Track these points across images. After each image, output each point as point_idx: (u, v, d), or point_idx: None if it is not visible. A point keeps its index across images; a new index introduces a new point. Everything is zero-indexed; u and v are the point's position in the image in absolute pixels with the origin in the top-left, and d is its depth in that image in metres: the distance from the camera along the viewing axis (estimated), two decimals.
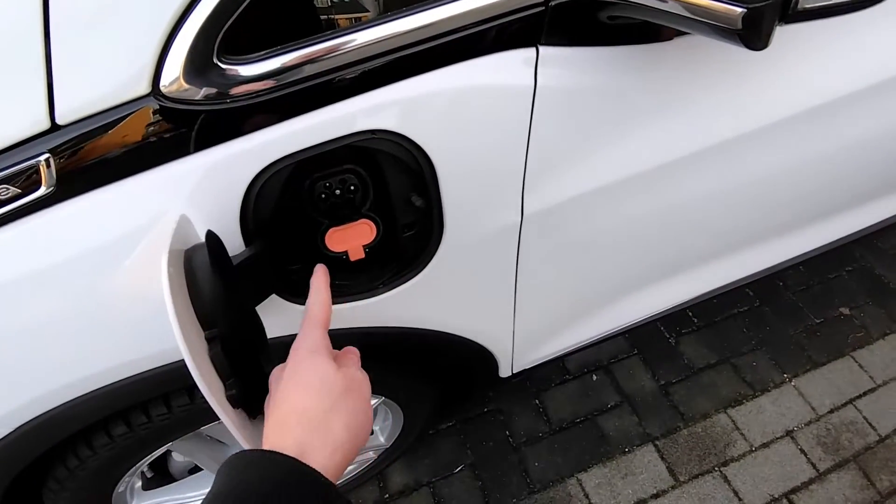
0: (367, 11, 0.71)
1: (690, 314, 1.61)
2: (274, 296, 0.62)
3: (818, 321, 1.59)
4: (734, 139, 0.74)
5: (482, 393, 1.45)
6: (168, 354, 0.63)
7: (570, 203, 0.70)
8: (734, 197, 0.86)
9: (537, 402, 1.45)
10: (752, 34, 0.47)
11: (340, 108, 0.55)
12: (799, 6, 0.47)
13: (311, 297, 0.51)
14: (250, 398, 0.41)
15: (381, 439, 1.14)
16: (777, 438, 1.36)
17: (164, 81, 0.49)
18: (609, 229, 0.78)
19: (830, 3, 0.48)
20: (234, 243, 0.57)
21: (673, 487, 1.30)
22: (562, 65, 0.59)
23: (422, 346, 0.86)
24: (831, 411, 1.41)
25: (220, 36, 0.50)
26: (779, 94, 0.75)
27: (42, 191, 0.49)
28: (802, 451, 1.35)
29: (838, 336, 1.56)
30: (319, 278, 0.53)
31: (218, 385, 0.38)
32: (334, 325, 0.71)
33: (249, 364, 0.43)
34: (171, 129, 0.51)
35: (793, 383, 1.46)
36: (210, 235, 0.48)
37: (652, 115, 0.68)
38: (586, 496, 1.29)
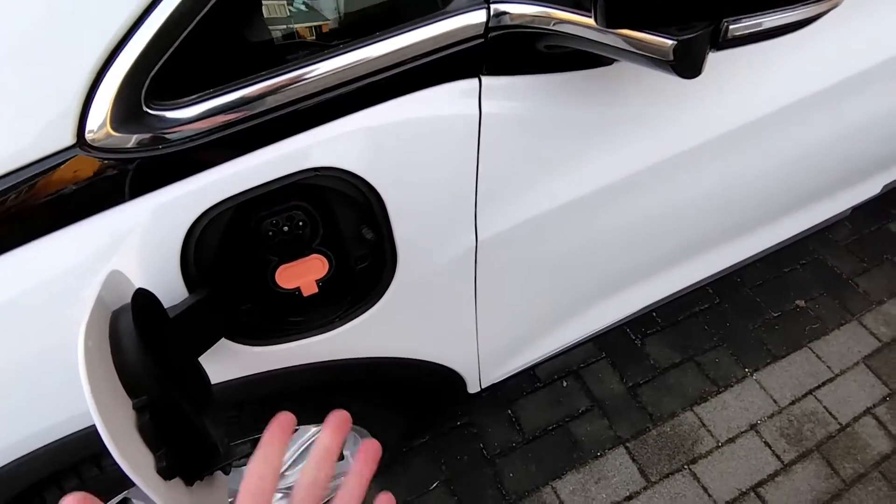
0: (328, 20, 0.70)
1: (654, 315, 1.64)
2: (223, 340, 0.60)
3: (776, 315, 1.65)
4: (679, 154, 0.76)
5: (454, 408, 1.44)
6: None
7: (523, 225, 0.71)
8: (685, 207, 0.88)
9: (510, 412, 1.46)
10: (684, 64, 0.48)
11: (280, 147, 0.54)
12: (729, 34, 0.49)
13: (256, 454, 0.33)
14: (189, 463, 0.40)
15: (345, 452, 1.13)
16: (742, 433, 1.40)
17: (91, 131, 0.47)
18: (564, 248, 0.78)
19: (759, 29, 0.49)
20: (177, 292, 0.55)
21: (645, 488, 1.32)
22: (505, 93, 0.60)
23: (386, 374, 0.85)
24: (792, 403, 1.46)
25: (148, 82, 0.48)
26: (722, 109, 0.77)
27: None
28: (767, 443, 1.39)
29: (795, 328, 1.61)
30: (273, 430, 0.35)
31: (146, 459, 0.37)
32: (294, 363, 0.70)
33: (187, 427, 0.42)
34: (101, 179, 0.49)
35: (754, 377, 1.51)
36: (137, 295, 0.46)
37: (599, 136, 0.68)
38: (561, 503, 1.30)
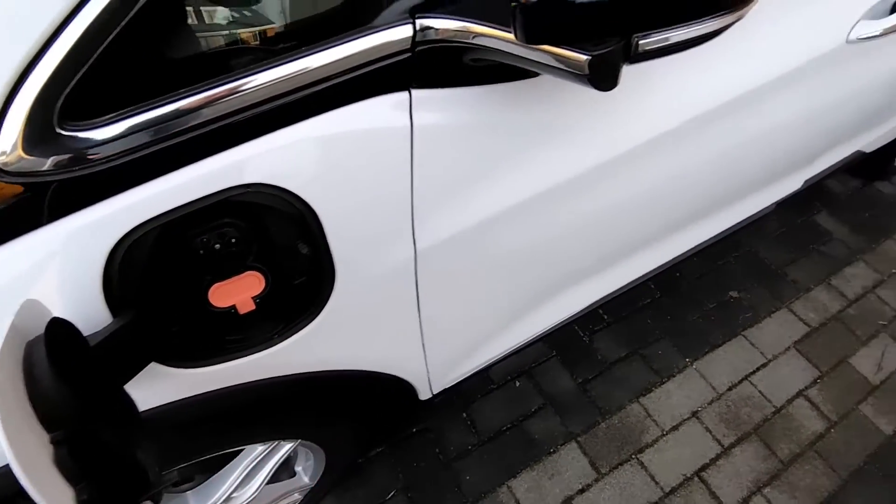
0: (273, 23, 0.69)
1: (601, 312, 1.70)
2: (154, 364, 0.59)
3: (712, 306, 1.73)
4: (611, 159, 0.79)
5: (408, 416, 1.44)
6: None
7: (461, 234, 0.72)
8: (619, 208, 0.92)
9: (465, 415, 1.47)
10: (600, 77, 0.51)
11: (207, 164, 0.53)
12: (640, 49, 0.51)
13: None
14: (115, 494, 0.38)
15: (306, 479, 1.11)
16: (685, 420, 1.47)
17: (3, 153, 0.45)
18: (504, 253, 0.80)
19: (668, 43, 0.52)
20: (101, 317, 0.53)
21: (596, 480, 1.36)
22: (435, 105, 0.61)
23: (333, 386, 0.84)
24: (730, 389, 1.54)
25: (62, 101, 0.46)
26: (651, 114, 0.81)
27: None
28: (708, 429, 1.46)
29: (731, 318, 1.70)
30: None
31: (64, 493, 0.35)
32: (233, 382, 0.69)
33: (110, 457, 0.41)
34: (15, 203, 0.47)
35: (694, 366, 1.58)
36: (52, 324, 0.44)
37: (531, 144, 0.70)
38: (517, 502, 1.32)
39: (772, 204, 1.44)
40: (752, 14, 0.83)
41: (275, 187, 0.56)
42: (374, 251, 0.67)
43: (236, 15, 0.58)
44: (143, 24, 0.48)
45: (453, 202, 0.68)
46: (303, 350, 0.71)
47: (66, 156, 0.48)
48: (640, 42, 0.51)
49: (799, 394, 1.55)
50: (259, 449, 0.90)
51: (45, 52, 0.45)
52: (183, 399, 0.66)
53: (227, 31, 0.54)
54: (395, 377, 0.90)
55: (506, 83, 0.63)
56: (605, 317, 1.69)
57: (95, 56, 0.46)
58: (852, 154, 1.60)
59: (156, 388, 0.61)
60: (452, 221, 0.70)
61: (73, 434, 0.37)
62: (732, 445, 1.43)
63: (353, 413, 0.99)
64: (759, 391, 1.54)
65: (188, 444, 0.75)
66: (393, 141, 0.60)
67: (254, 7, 0.58)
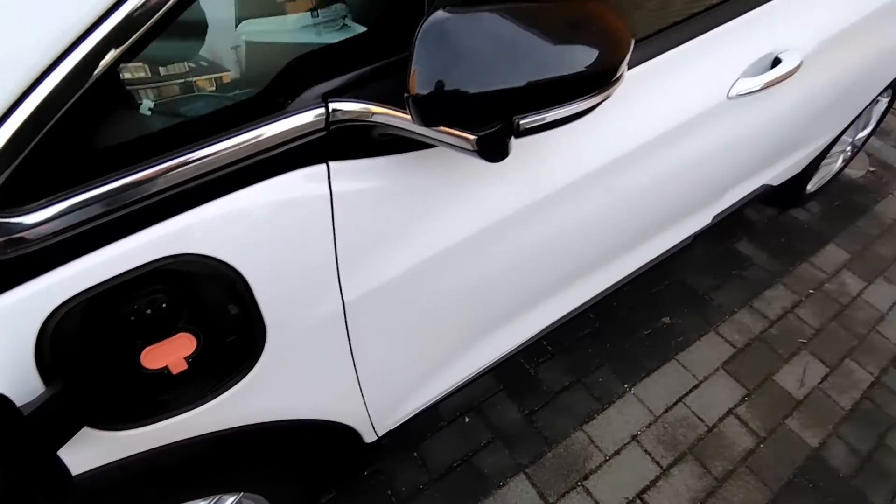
0: (228, 71, 0.74)
1: (545, 343, 1.78)
2: (86, 428, 0.61)
3: (647, 332, 1.84)
4: (518, 211, 0.87)
5: (357, 459, 1.46)
6: None
7: (387, 285, 0.78)
8: (535, 252, 1.00)
9: (416, 454, 1.50)
10: (488, 152, 0.59)
11: (138, 238, 0.57)
12: (521, 128, 0.60)
13: None
14: None
15: None
16: (625, 445, 1.54)
17: None
18: (429, 300, 0.87)
19: (545, 121, 0.61)
20: (33, 386, 0.56)
21: None
22: (351, 174, 0.67)
23: (273, 437, 0.87)
24: (666, 411, 1.63)
25: None
26: (552, 169, 0.90)
27: None
28: (647, 451, 1.54)
29: (664, 343, 1.81)
30: None
31: None
32: (169, 440, 0.71)
33: None
34: None
35: (632, 392, 1.67)
36: None
37: (442, 201, 0.78)
38: None
39: (688, 237, 1.57)
40: (646, 77, 0.94)
41: (204, 256, 0.61)
42: (303, 308, 0.72)
43: (165, 108, 0.64)
44: (77, 115, 0.54)
45: (375, 257, 0.75)
46: (238, 404, 0.74)
47: (1, 239, 0.52)
48: (521, 122, 0.59)
49: (729, 412, 1.65)
50: (229, 501, 0.91)
51: None
52: (118, 460, 0.68)
53: (157, 119, 0.60)
54: (335, 423, 0.94)
55: (415, 152, 0.71)
56: (549, 348, 1.77)
57: (27, 150, 0.51)
58: (758, 189, 1.76)
59: (90, 451, 0.64)
60: (376, 274, 0.76)
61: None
62: (670, 466, 1.51)
63: (296, 461, 1.01)
64: (693, 412, 1.64)
65: None
66: (314, 208, 0.66)
67: (190, 98, 0.64)
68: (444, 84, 0.54)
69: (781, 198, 2.34)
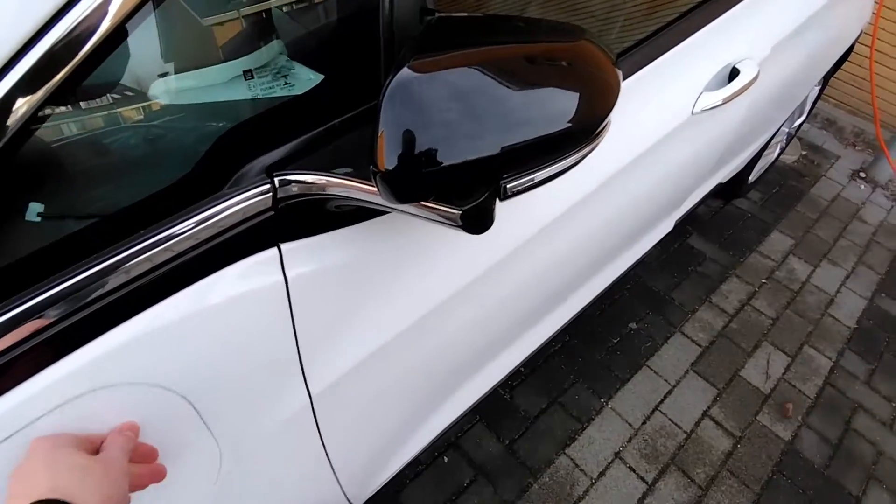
0: (157, 98, 0.60)
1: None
2: None
3: (616, 341, 1.82)
4: (494, 265, 0.79)
5: None
6: None
7: (355, 368, 0.68)
8: (511, 299, 0.92)
9: None
10: (474, 225, 0.50)
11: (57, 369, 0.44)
12: (509, 192, 0.51)
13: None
14: None
15: None
16: (609, 464, 1.51)
17: None
18: (402, 370, 0.77)
19: (536, 181, 0.53)
20: None
21: None
22: (306, 254, 0.57)
23: None
24: (644, 422, 1.61)
25: None
26: (528, 211, 0.83)
27: None
28: (631, 468, 1.51)
29: (633, 350, 1.80)
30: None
31: None
32: None
33: None
34: None
35: (610, 405, 1.64)
36: None
37: (405, 270, 0.68)
38: None
39: (654, 244, 1.55)
40: (620, 106, 0.88)
41: (142, 385, 0.49)
42: (265, 413, 0.61)
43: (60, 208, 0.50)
44: None
45: (341, 340, 0.64)
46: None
47: None
48: (508, 186, 0.51)
49: (704, 415, 1.65)
50: None
51: None
52: None
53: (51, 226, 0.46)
54: None
55: (372, 220, 0.61)
56: (522, 369, 1.71)
57: None
58: (713, 188, 1.77)
59: None
60: (343, 359, 0.66)
61: None
62: (655, 480, 1.49)
63: None
64: (670, 419, 1.63)
65: None
66: (269, 299, 0.55)
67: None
68: (420, 155, 0.44)
69: (725, 191, 2.39)
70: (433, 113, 0.44)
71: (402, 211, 0.51)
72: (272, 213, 0.52)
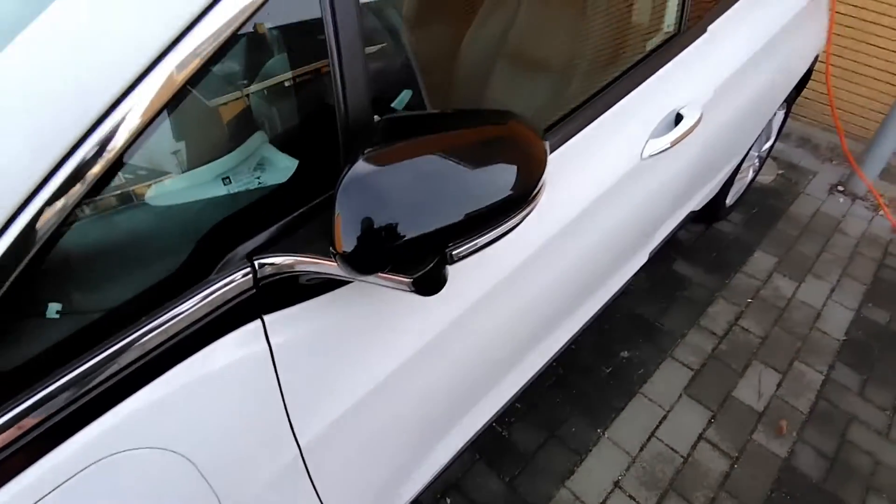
0: (152, 202, 0.68)
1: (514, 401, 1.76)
2: None
3: (609, 370, 1.87)
4: (463, 312, 0.87)
5: None
6: None
7: (339, 420, 0.75)
8: (489, 341, 1.00)
9: None
10: (425, 289, 0.58)
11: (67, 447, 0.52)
12: (455, 257, 0.60)
13: None
14: None
15: None
16: (609, 494, 1.54)
17: None
18: (387, 419, 0.84)
19: (478, 245, 0.61)
20: None
21: None
22: (287, 322, 0.65)
23: None
24: (641, 450, 1.65)
25: None
26: (492, 264, 0.91)
27: None
28: (631, 496, 1.53)
29: (626, 378, 1.84)
30: None
31: None
32: None
33: None
34: None
35: (606, 435, 1.68)
36: None
37: (377, 331, 0.76)
38: None
39: (635, 271, 1.63)
40: (567, 158, 0.98)
41: (149, 449, 0.56)
42: (260, 466, 0.68)
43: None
44: None
45: (325, 395, 0.72)
46: None
47: None
48: (454, 252, 0.60)
49: (700, 438, 1.69)
50: None
51: None
52: None
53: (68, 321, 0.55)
54: None
55: (342, 287, 0.69)
56: (518, 405, 1.76)
57: None
58: (684, 219, 1.86)
59: None
60: (328, 411, 0.73)
61: None
62: None
63: None
64: (666, 444, 1.66)
65: None
66: (255, 365, 0.63)
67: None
68: (373, 235, 0.53)
69: (705, 215, 2.47)
70: (387, 198, 0.53)
71: (363, 280, 0.60)
72: (254, 291, 0.61)
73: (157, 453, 0.57)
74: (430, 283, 0.59)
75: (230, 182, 0.60)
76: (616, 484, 1.56)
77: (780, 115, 2.45)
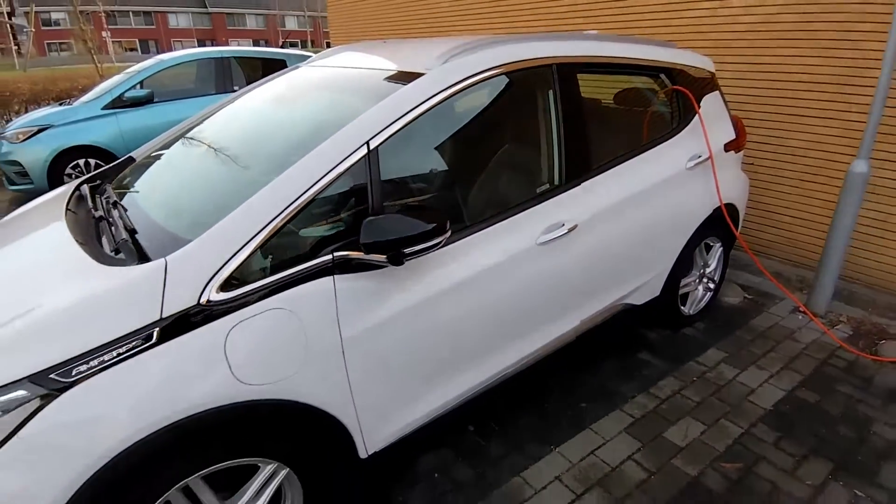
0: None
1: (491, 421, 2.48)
2: None
3: (570, 413, 2.55)
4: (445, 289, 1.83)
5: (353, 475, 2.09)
6: None
7: (369, 329, 1.69)
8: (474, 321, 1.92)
9: None
10: (395, 262, 1.59)
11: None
12: (407, 254, 1.61)
13: None
14: None
15: None
16: (549, 483, 2.15)
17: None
18: (411, 335, 1.77)
19: (416, 249, 1.62)
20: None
21: None
22: (345, 281, 1.66)
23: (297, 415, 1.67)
24: (581, 461, 2.26)
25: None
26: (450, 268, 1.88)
27: None
28: (567, 486, 2.14)
29: (582, 419, 2.50)
30: None
31: None
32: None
33: None
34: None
35: (556, 450, 2.32)
36: None
37: (389, 287, 1.74)
38: None
39: (569, 331, 2.44)
40: (485, 239, 1.99)
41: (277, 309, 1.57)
42: (323, 329, 1.63)
43: None
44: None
45: (359, 315, 1.68)
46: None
47: (219, 298, 1.49)
48: (406, 251, 1.61)
49: (628, 458, 2.28)
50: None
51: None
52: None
53: None
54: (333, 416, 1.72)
55: (378, 269, 1.70)
56: (495, 426, 2.47)
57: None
58: (619, 304, 2.68)
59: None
60: (363, 322, 1.68)
61: None
62: (582, 493, 2.10)
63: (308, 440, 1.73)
64: (601, 459, 2.27)
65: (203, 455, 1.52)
66: (328, 292, 1.63)
67: None
68: (379, 243, 1.57)
69: (666, 321, 3.21)
70: (381, 228, 1.57)
71: (373, 260, 1.61)
72: (332, 264, 1.63)
73: (287, 314, 1.55)
74: (396, 261, 1.59)
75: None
76: (557, 478, 2.19)
77: (718, 247, 3.28)
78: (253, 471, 1.63)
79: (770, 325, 3.32)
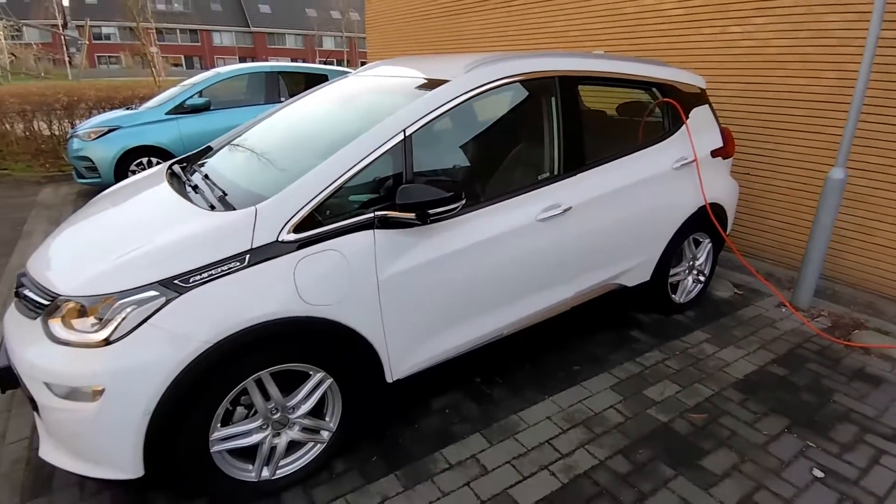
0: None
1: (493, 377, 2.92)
2: None
3: (563, 374, 2.98)
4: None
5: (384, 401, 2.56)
6: None
7: (401, 273, 2.18)
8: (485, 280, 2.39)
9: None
10: (423, 221, 2.09)
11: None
12: (432, 216, 2.10)
13: None
14: None
15: (332, 424, 2.24)
16: (540, 422, 2.58)
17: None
18: (435, 282, 2.25)
19: (439, 211, 2.10)
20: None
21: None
22: (384, 234, 2.15)
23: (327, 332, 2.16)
24: (569, 407, 2.69)
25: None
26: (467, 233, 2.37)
27: None
28: (556, 424, 2.56)
29: (574, 377, 2.93)
30: None
31: None
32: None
33: None
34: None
35: (549, 398, 2.75)
36: None
37: (426, 243, 2.23)
38: None
39: (564, 299, 2.88)
40: (496, 211, 2.48)
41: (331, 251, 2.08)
42: (364, 271, 2.12)
43: None
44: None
45: (393, 261, 2.17)
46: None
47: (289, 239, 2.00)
48: (430, 212, 2.10)
49: (610, 407, 2.69)
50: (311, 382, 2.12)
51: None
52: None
53: None
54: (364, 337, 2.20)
55: (411, 227, 2.19)
56: (499, 379, 2.91)
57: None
58: (612, 283, 3.11)
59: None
60: (395, 267, 2.17)
61: None
62: (567, 429, 2.53)
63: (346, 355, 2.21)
64: (587, 406, 2.69)
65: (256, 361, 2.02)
66: (370, 242, 2.12)
67: None
68: (406, 202, 2.07)
69: (658, 307, 3.62)
70: (414, 193, 2.07)
71: (406, 218, 2.10)
72: (374, 220, 2.13)
73: (338, 255, 2.05)
74: (424, 220, 2.08)
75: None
76: (547, 417, 2.61)
77: (707, 242, 3.68)
78: (305, 377, 2.12)
79: (754, 315, 3.69)
